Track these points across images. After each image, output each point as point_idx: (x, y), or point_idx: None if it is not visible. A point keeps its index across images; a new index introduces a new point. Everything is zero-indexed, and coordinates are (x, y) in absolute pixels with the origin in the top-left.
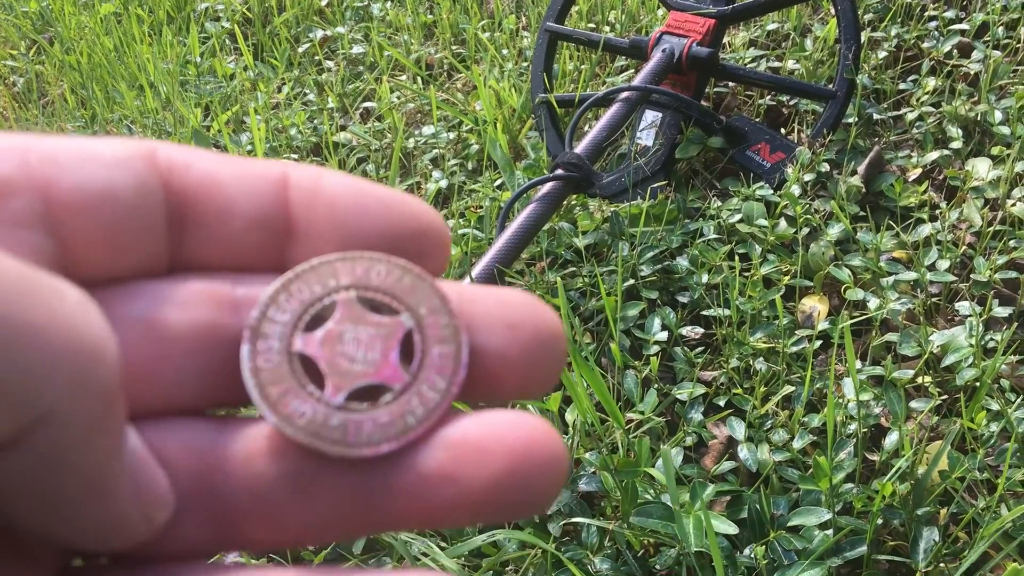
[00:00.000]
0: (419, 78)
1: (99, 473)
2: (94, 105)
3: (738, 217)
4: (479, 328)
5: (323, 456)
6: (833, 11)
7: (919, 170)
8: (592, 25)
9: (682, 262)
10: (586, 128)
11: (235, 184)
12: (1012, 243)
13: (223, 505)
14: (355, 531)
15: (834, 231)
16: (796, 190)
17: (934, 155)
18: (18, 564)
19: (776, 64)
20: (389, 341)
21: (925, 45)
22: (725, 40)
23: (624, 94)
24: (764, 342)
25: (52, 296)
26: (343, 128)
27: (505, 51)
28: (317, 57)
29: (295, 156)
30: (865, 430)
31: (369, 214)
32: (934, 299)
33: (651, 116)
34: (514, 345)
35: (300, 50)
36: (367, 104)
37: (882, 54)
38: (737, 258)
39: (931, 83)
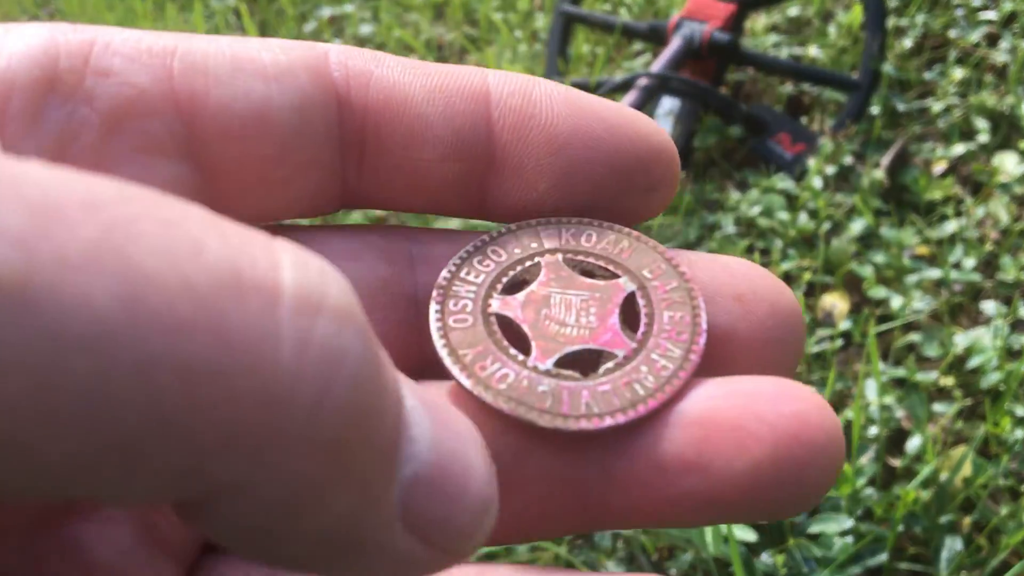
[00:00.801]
0: (431, 59)
1: (351, 528)
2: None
3: (758, 210)
4: (706, 300)
5: (530, 428)
6: None
7: (944, 164)
8: (608, 7)
9: None
10: None
11: (428, 101)
12: None
13: None
14: (562, 528)
15: (857, 226)
16: (818, 182)
17: (960, 148)
18: (158, 554)
19: (798, 51)
20: (607, 305)
21: (951, 34)
22: (745, 24)
23: (642, 81)
24: None
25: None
26: None
27: (518, 32)
28: (324, 36)
29: None
30: (887, 433)
31: (593, 138)
32: (958, 298)
33: (669, 104)
34: (745, 320)
35: (306, 29)
36: None
37: (907, 42)
38: (757, 253)
39: (957, 73)
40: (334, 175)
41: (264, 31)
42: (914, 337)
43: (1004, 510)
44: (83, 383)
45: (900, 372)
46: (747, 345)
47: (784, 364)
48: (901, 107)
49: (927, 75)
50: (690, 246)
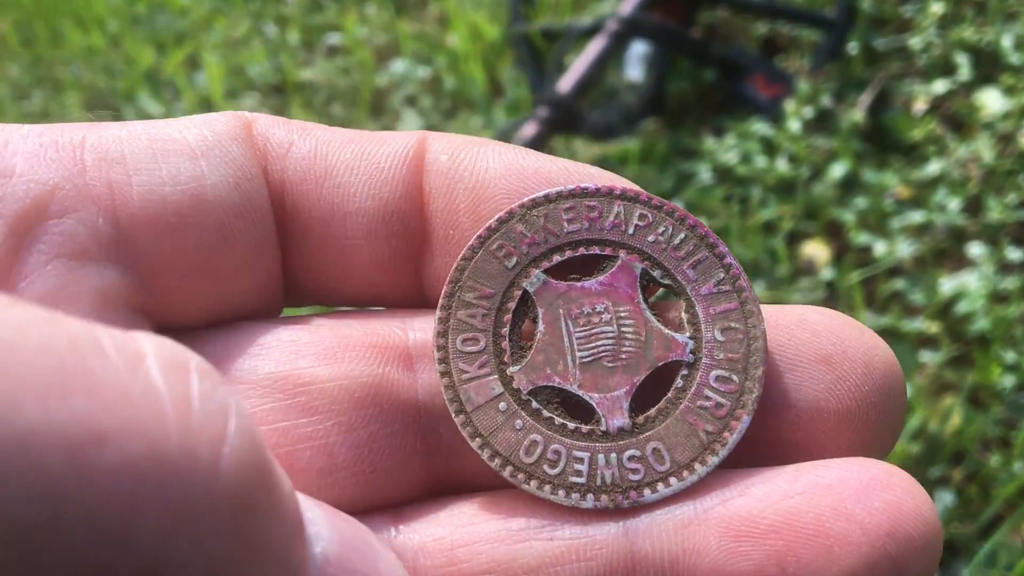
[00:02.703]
0: (388, 8)
1: None
2: (39, 44)
3: (735, 156)
4: (782, 366)
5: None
6: None
7: (925, 102)
8: None
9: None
10: (569, 62)
11: (351, 170)
12: (1023, 179)
13: None
14: None
15: (837, 170)
16: (796, 126)
17: (941, 86)
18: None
19: None
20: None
21: None
22: None
23: (611, 25)
24: (766, 292)
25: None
26: (307, 65)
27: None
28: None
29: (256, 97)
30: None
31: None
32: (943, 243)
33: (639, 48)
34: (836, 390)
35: None
36: (333, 40)
37: None
38: (735, 201)
39: (936, 8)
40: (278, 263)
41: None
42: (899, 284)
43: (995, 460)
44: None
45: (885, 320)
46: (840, 422)
47: (884, 441)
48: (879, 45)
49: (905, 10)
50: (666, 195)
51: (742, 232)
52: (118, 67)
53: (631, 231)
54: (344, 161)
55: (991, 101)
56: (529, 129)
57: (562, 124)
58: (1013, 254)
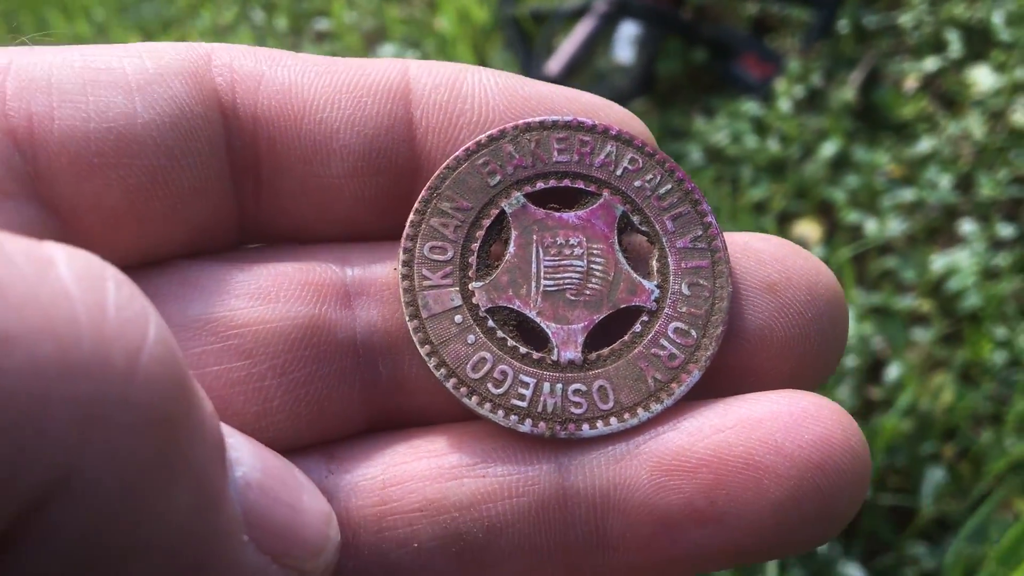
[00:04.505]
0: None
1: (197, 539)
2: (24, 32)
3: (725, 136)
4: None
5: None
6: None
7: (916, 80)
8: None
9: None
10: (558, 43)
11: (332, 104)
12: (1014, 156)
13: None
14: None
15: (828, 149)
16: (786, 105)
17: (931, 63)
18: None
19: None
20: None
21: None
22: None
23: (600, 6)
24: None
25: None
26: (295, 51)
27: None
28: None
29: None
30: (863, 362)
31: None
32: (935, 221)
33: (629, 29)
34: (780, 317)
35: None
36: (320, 25)
37: None
38: (725, 181)
39: None
40: (227, 203)
41: None
42: (890, 262)
43: (987, 436)
44: None
45: (876, 299)
46: (783, 348)
47: (824, 367)
48: (869, 23)
49: None
50: None
51: (733, 212)
52: None
53: (619, 172)
54: (323, 94)
55: (982, 78)
56: None
57: None
58: (1004, 230)
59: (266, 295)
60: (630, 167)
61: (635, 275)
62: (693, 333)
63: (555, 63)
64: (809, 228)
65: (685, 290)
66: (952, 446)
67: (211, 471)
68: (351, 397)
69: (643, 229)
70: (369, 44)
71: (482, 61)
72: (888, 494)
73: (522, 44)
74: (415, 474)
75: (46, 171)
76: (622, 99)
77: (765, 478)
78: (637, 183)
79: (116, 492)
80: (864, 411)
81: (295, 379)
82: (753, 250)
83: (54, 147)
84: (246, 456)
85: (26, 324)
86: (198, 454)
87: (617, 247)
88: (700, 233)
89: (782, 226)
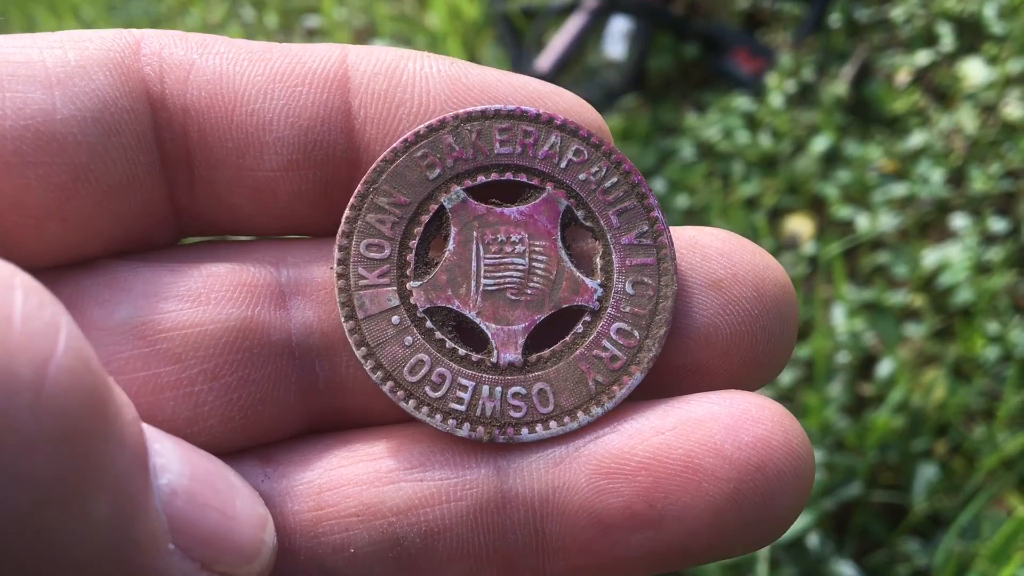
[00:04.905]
0: None
1: (117, 546)
2: (12, 31)
3: (717, 132)
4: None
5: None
6: None
7: (908, 73)
8: None
9: (658, 184)
10: (549, 39)
11: (265, 94)
12: (1006, 150)
13: None
14: None
15: (820, 144)
16: (778, 100)
17: (923, 57)
18: None
19: None
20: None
21: None
22: None
23: (590, 2)
24: None
25: None
26: None
27: None
28: None
29: None
30: (854, 358)
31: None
32: (927, 216)
33: (619, 25)
34: (725, 315)
35: None
36: (311, 22)
37: None
38: (716, 177)
39: None
40: (159, 197)
41: None
42: (882, 257)
43: (979, 432)
44: None
45: (868, 295)
46: (729, 346)
47: (774, 364)
48: (861, 17)
49: None
50: (648, 173)
51: (724, 208)
52: None
53: (563, 165)
54: (256, 84)
55: (974, 71)
56: None
57: None
58: (997, 225)
59: (196, 297)
60: (575, 159)
61: (578, 273)
62: (636, 334)
63: (546, 59)
64: (801, 223)
65: (629, 289)
66: (944, 442)
67: (131, 480)
68: (288, 400)
69: (587, 224)
70: (359, 41)
71: (473, 57)
72: (880, 491)
73: (512, 40)
74: (352, 478)
75: None
76: (613, 95)
77: (704, 480)
78: (582, 176)
79: (27, 507)
80: (856, 407)
81: (227, 383)
82: (699, 245)
83: None
84: (173, 462)
85: None
86: (116, 464)
87: (560, 244)
88: (646, 228)
89: (774, 221)
